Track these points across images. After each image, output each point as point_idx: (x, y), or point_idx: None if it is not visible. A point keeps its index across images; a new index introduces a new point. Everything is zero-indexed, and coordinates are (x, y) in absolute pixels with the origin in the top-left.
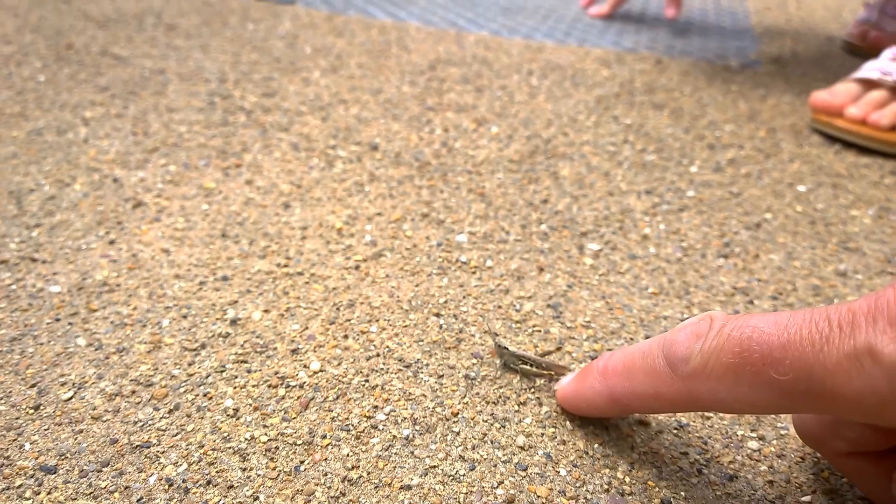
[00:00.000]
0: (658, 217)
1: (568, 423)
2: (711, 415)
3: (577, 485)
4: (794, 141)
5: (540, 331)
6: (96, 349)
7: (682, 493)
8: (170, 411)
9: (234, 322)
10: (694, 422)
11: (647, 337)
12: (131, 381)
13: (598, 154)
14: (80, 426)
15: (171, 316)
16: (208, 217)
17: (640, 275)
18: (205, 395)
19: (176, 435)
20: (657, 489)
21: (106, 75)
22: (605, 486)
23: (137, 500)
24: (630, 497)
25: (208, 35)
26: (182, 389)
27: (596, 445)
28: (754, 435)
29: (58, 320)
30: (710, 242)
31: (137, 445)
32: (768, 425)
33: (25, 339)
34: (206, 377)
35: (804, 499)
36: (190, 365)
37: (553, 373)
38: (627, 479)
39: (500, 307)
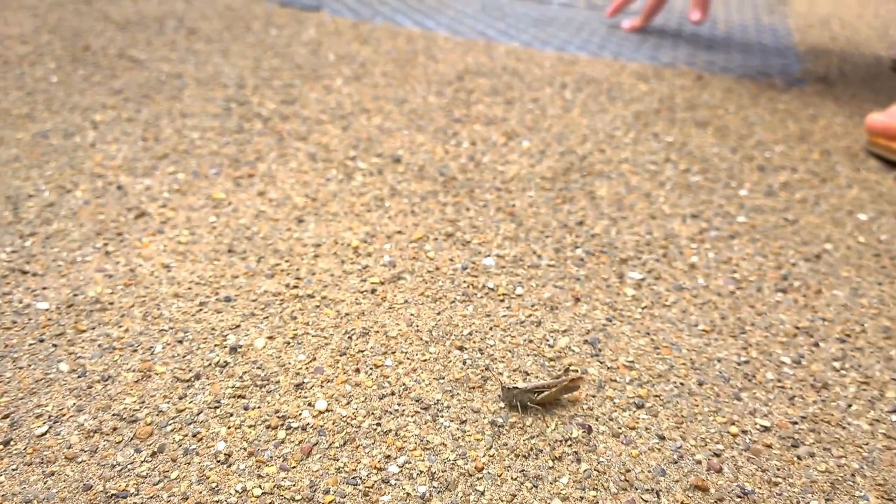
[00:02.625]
0: (706, 244)
1: (612, 484)
2: (781, 480)
3: None
4: (850, 165)
5: (577, 370)
6: (79, 376)
7: None
8: (153, 454)
9: (233, 350)
10: (760, 488)
11: (699, 383)
12: (114, 415)
13: (638, 173)
14: (52, 467)
15: (166, 340)
16: (215, 230)
17: (688, 308)
18: (194, 436)
19: (157, 483)
20: None
21: (121, 78)
22: None
23: None
24: None
25: (230, 40)
26: (169, 427)
27: None
28: None
29: (41, 341)
30: (766, 274)
31: (113, 494)
32: (845, 494)
33: (4, 362)
34: (198, 414)
35: None
36: (181, 399)
37: (572, 382)
38: None
39: (530, 341)
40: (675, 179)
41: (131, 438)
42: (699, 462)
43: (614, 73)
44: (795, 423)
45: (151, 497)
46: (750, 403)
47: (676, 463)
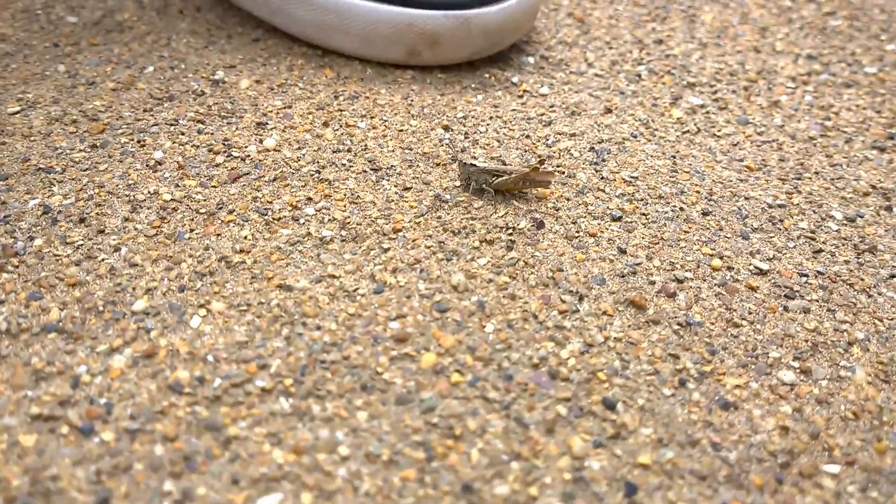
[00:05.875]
0: (808, 87)
1: (531, 278)
2: (745, 324)
3: (498, 347)
4: None
5: (563, 173)
6: (70, 76)
7: (640, 402)
8: (93, 146)
9: (216, 83)
10: (713, 324)
11: (704, 213)
12: (80, 111)
13: (765, 6)
14: (6, 139)
15: (159, 66)
16: None
17: (741, 143)
18: (139, 142)
19: (86, 169)
20: (606, 385)
21: None
22: (536, 361)
23: (3, 217)
24: (563, 383)
25: None
26: (120, 131)
27: (555, 313)
28: (796, 365)
29: (56, 45)
30: (869, 129)
31: (41, 168)
32: (826, 360)
33: (17, 56)
34: (153, 125)
35: (828, 468)
36: (146, 112)
37: (535, 172)
38: (571, 362)
39: (527, 137)
40: (810, 19)
41: (84, 132)
42: (653, 283)
43: None
44: (805, 275)
45: (73, 179)
46: (757, 245)
47: (624, 277)
